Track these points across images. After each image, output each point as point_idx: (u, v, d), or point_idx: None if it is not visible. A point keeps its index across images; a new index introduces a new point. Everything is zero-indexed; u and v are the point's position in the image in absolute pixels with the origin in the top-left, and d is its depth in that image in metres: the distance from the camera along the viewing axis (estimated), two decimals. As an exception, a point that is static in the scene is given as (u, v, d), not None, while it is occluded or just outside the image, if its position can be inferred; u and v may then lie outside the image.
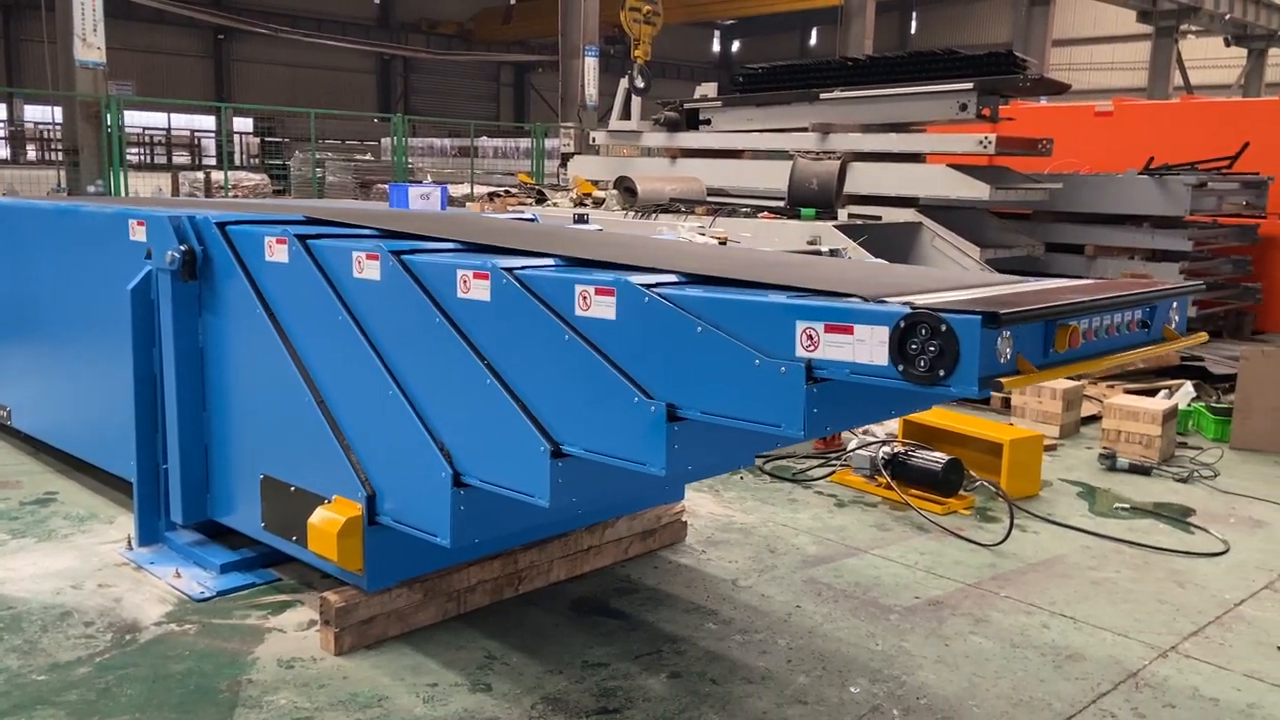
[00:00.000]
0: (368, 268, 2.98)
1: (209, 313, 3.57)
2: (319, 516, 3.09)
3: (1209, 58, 28.81)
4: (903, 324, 1.99)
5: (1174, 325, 2.57)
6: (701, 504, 4.48)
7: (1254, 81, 25.75)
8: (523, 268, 2.68)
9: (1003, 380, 1.97)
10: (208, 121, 31.14)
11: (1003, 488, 4.57)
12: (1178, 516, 4.54)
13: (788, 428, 2.15)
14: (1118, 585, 3.75)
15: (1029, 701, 2.89)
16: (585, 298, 2.49)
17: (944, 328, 1.93)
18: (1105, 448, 5.36)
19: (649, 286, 2.38)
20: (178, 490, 3.66)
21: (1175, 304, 2.57)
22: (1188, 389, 6.39)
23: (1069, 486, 4.93)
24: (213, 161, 26.42)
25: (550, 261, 2.83)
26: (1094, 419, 6.07)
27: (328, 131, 25.86)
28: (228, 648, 3.09)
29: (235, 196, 15.27)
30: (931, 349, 1.95)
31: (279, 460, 3.37)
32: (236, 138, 26.91)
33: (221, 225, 3.49)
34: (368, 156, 21.87)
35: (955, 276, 2.61)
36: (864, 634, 3.29)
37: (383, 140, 23.36)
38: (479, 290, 2.72)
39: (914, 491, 4.54)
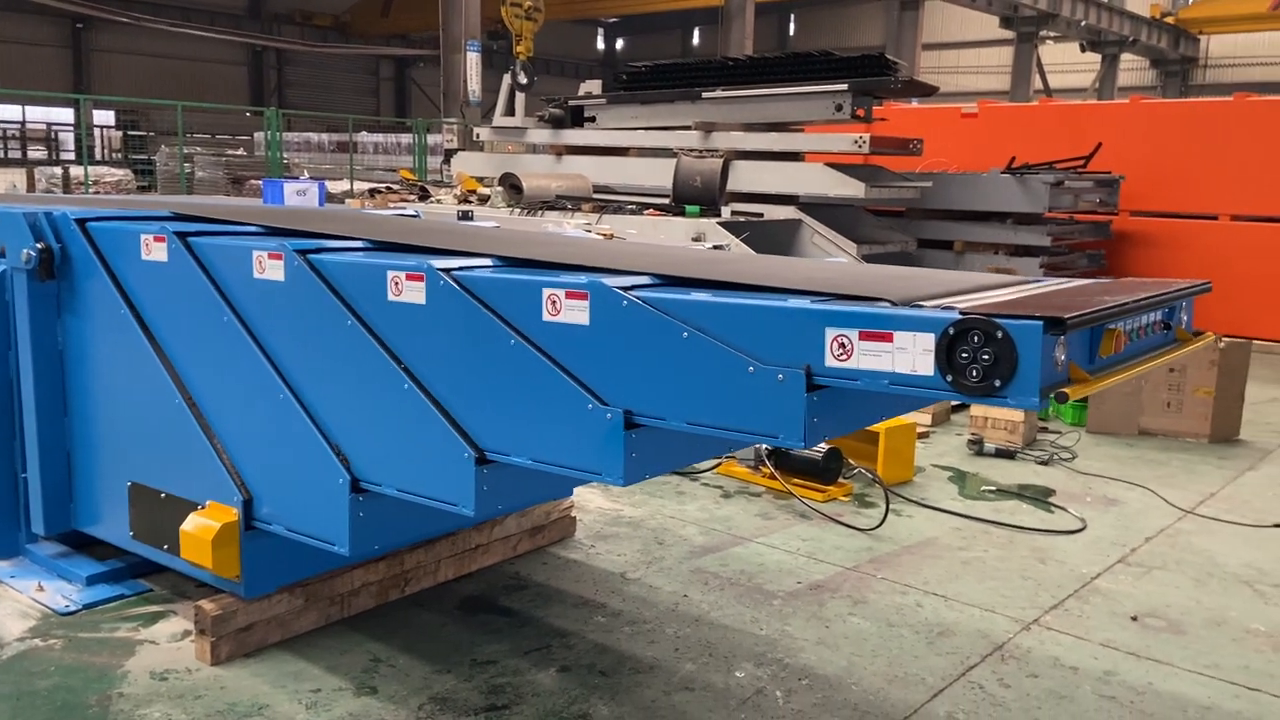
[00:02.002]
0: (270, 268, 2.81)
1: (69, 314, 3.40)
2: (192, 523, 2.99)
3: (1067, 62, 30.40)
4: (952, 331, 1.84)
5: (1184, 325, 2.50)
6: (590, 499, 4.51)
7: (1108, 85, 27.31)
8: (461, 269, 2.54)
9: (1066, 391, 1.83)
10: (66, 114, 29.52)
11: (879, 474, 4.74)
12: (1039, 497, 4.80)
13: (787, 437, 2.03)
14: (985, 563, 3.94)
15: (903, 677, 3.02)
16: (555, 302, 2.32)
17: (1000, 334, 1.79)
18: (974, 434, 5.61)
19: (626, 290, 2.24)
20: (38, 500, 3.47)
21: (1184, 303, 2.48)
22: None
23: (940, 471, 5.15)
24: (72, 156, 25.05)
25: (487, 262, 2.67)
26: (964, 406, 6.35)
27: (196, 125, 24.79)
28: (96, 662, 2.96)
29: (97, 193, 14.52)
30: (985, 357, 1.81)
31: (148, 466, 3.24)
32: (97, 131, 25.57)
33: (81, 222, 3.33)
34: (240, 151, 21.10)
35: (969, 278, 2.44)
36: (749, 620, 3.38)
37: (256, 135, 22.57)
38: (412, 293, 2.55)
39: (796, 480, 4.67)
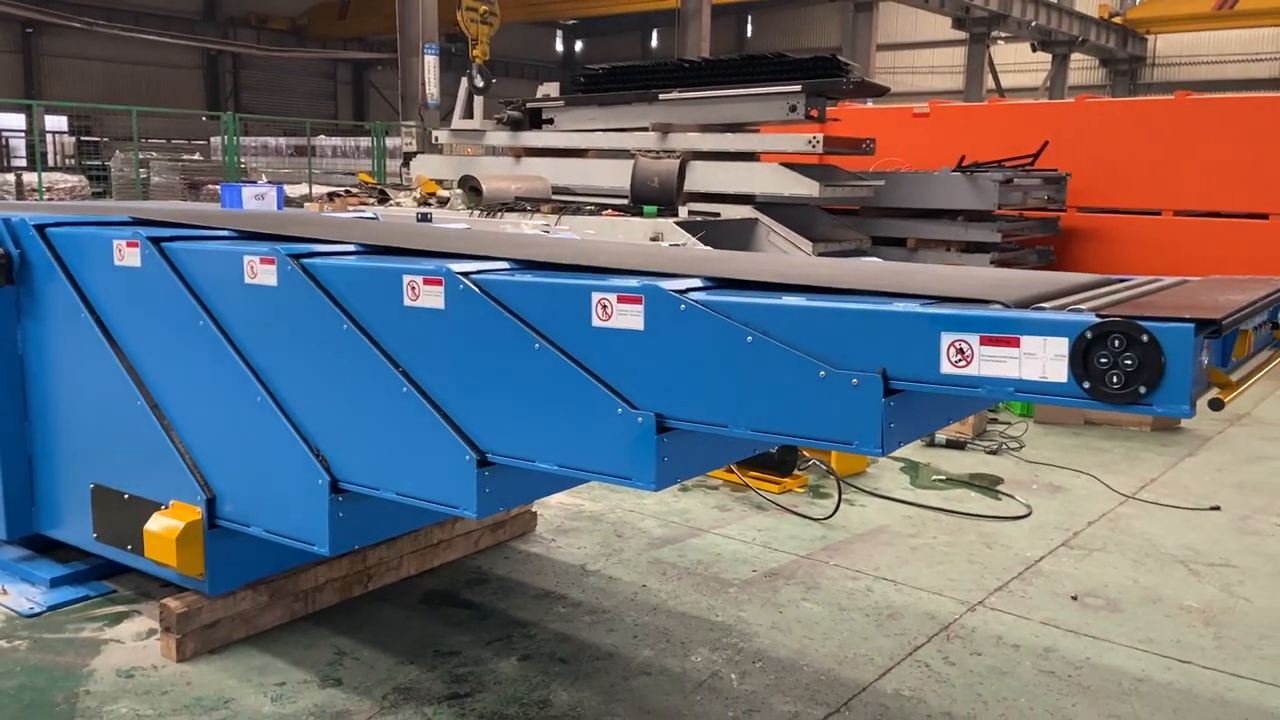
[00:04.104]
0: (262, 273, 2.78)
1: (29, 319, 3.43)
2: (156, 523, 3.04)
3: (1019, 62, 30.91)
4: (1089, 335, 1.73)
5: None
6: (551, 495, 4.58)
7: (1058, 84, 27.80)
8: (480, 273, 2.48)
9: (1220, 397, 1.76)
10: (17, 120, 29.00)
11: (833, 466, 4.86)
12: (988, 485, 4.95)
13: (862, 444, 1.96)
14: (934, 549, 4.08)
15: (853, 658, 3.13)
16: (605, 306, 2.24)
17: (1145, 338, 1.68)
18: (926, 426, 5.76)
19: (682, 293, 2.17)
20: (0, 504, 3.49)
21: None
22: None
23: (893, 463, 5.29)
24: (23, 163, 24.62)
25: (504, 265, 2.61)
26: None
27: (151, 130, 24.50)
28: (62, 661, 3.00)
29: (51, 199, 14.35)
30: (1127, 363, 1.70)
31: (110, 468, 3.28)
32: (49, 137, 25.17)
33: (40, 228, 3.36)
34: (196, 156, 20.90)
35: (1054, 278, 2.35)
36: (705, 607, 3.48)
37: (212, 139, 22.36)
38: (430, 298, 2.49)
39: (753, 473, 4.78)
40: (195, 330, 2.93)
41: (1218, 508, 4.65)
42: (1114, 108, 10.83)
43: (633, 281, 2.25)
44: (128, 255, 3.06)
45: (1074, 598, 3.61)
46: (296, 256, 2.75)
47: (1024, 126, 10.21)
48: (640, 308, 2.19)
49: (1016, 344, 1.80)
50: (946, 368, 1.86)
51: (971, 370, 1.84)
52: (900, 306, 1.95)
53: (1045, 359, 1.77)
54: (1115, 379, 1.71)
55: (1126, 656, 3.18)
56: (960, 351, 1.85)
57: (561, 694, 2.88)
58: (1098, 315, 1.74)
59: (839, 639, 3.26)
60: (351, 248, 2.92)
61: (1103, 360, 1.72)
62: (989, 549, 4.09)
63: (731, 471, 4.79)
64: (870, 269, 2.73)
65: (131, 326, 3.16)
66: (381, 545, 3.57)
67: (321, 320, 2.68)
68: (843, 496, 4.56)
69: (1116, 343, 1.70)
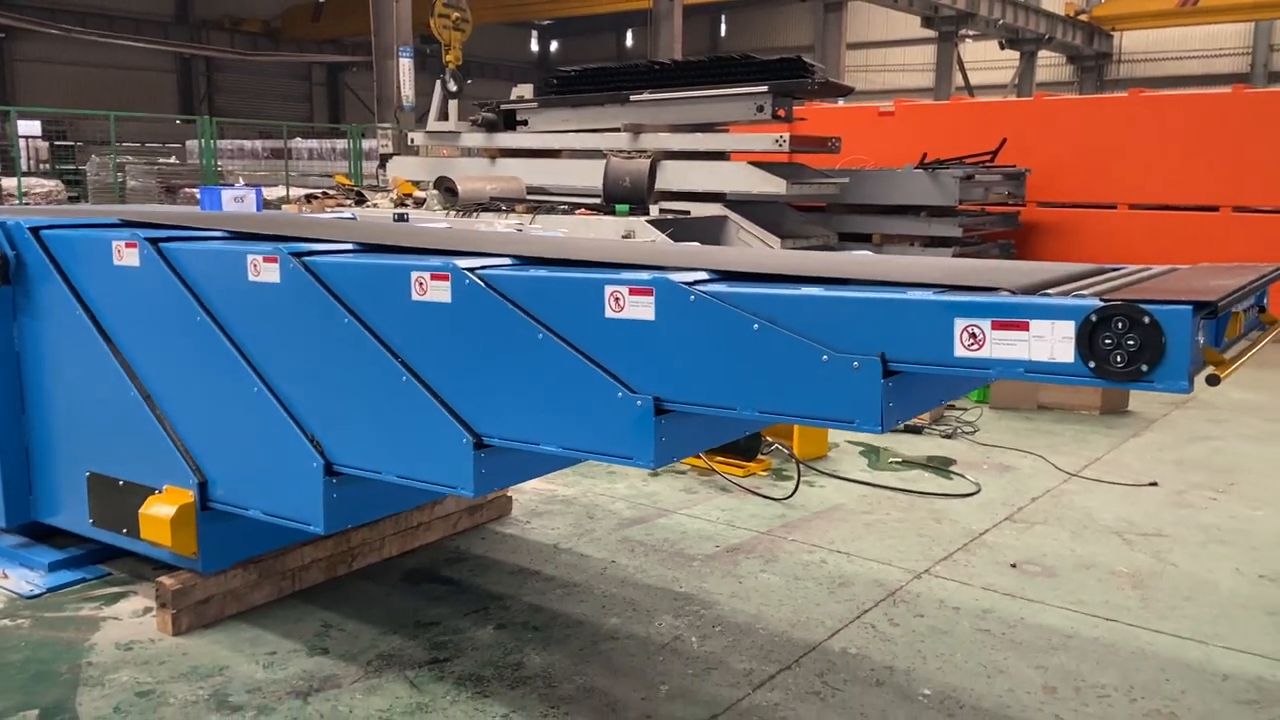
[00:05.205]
0: (265, 271, 2.94)
1: (25, 316, 3.61)
2: (152, 506, 3.23)
3: (987, 60, 31.36)
4: (1094, 318, 1.86)
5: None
6: (541, 475, 4.79)
7: (1026, 81, 28.25)
8: (484, 269, 2.62)
9: (1216, 374, 1.87)
10: (-12, 125, 28.80)
11: (794, 451, 5.11)
12: (941, 466, 5.22)
13: (863, 423, 2.11)
14: (886, 524, 4.33)
15: (805, 621, 3.38)
16: (618, 299, 2.39)
17: (1146, 320, 1.81)
18: (886, 412, 6.01)
19: (690, 285, 2.31)
20: (-1, 493, 3.68)
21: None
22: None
23: (852, 447, 5.55)
24: (-3, 168, 24.53)
25: (506, 261, 2.76)
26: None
27: (126, 134, 24.46)
28: (64, 637, 3.20)
29: (29, 204, 14.41)
30: (1130, 343, 1.82)
31: (105, 457, 3.47)
32: (22, 142, 25.08)
33: (35, 230, 3.55)
34: (171, 160, 20.93)
35: (1050, 267, 2.48)
36: (670, 579, 3.71)
37: (188, 143, 22.39)
38: (437, 292, 2.64)
39: (718, 458, 5.02)
40: (192, 326, 3.11)
41: (1155, 483, 4.93)
42: (1071, 105, 11.16)
43: (644, 275, 2.38)
44: (126, 255, 3.24)
45: (1013, 565, 3.87)
46: (298, 255, 2.92)
47: (985, 124, 10.53)
48: (651, 299, 2.34)
49: (1026, 328, 1.93)
50: (960, 351, 2.00)
51: (984, 353, 1.97)
52: (914, 294, 2.08)
53: (1053, 341, 1.90)
54: (1119, 358, 1.84)
55: (1058, 616, 3.44)
56: (973, 336, 1.97)
57: (534, 657, 3.11)
58: (1101, 300, 1.87)
59: (793, 605, 3.50)
60: (349, 246, 3.09)
61: (1107, 341, 1.85)
62: (938, 524, 4.34)
63: (699, 457, 5.02)
64: (869, 261, 2.88)
65: (127, 323, 3.35)
66: (365, 527, 3.78)
67: (322, 314, 2.85)
68: (802, 478, 4.80)
69: (1120, 325, 1.83)
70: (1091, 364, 1.87)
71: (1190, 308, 1.80)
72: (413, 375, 2.72)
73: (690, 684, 2.95)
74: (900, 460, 5.31)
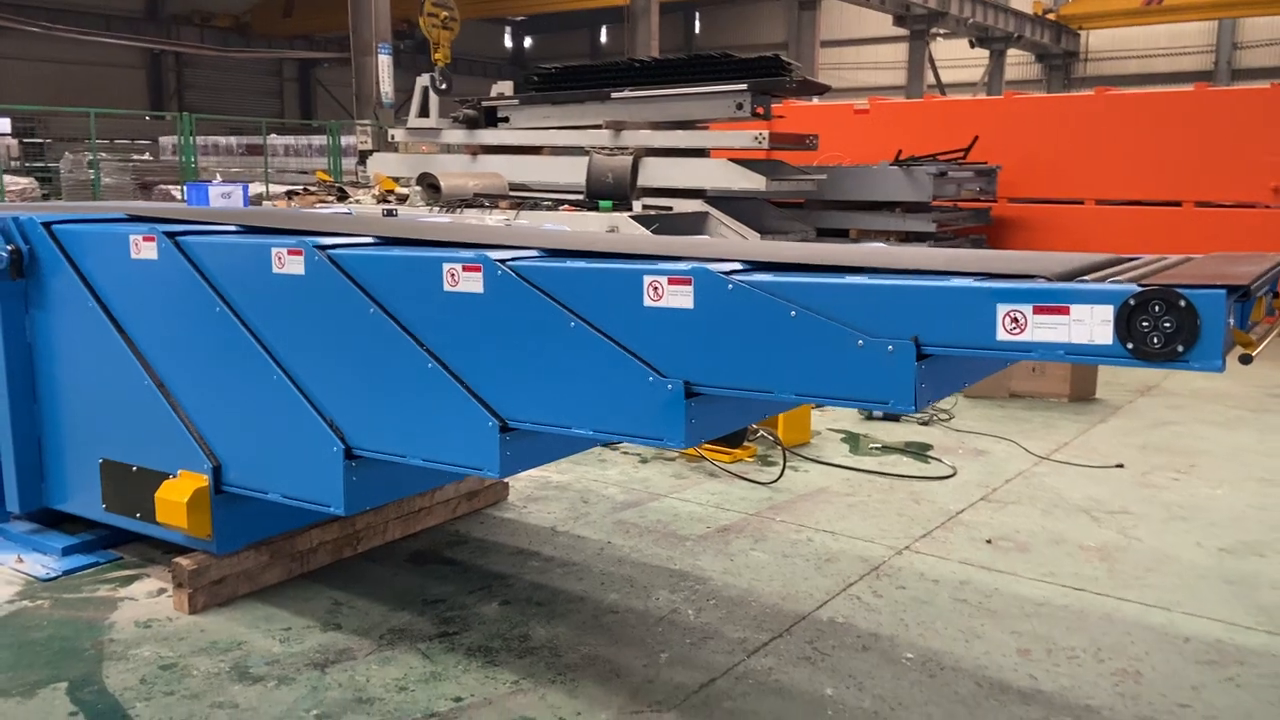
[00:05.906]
0: (290, 264, 3.05)
1: (37, 309, 3.72)
2: (167, 490, 3.36)
3: (958, 58, 31.76)
4: (1133, 302, 1.96)
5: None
6: (564, 457, 4.92)
7: (996, 79, 28.66)
8: (515, 260, 2.72)
9: (1249, 353, 1.97)
10: (-44, 122, 28.47)
11: (780, 438, 5.29)
12: (919, 451, 5.42)
13: (897, 403, 2.22)
14: (868, 506, 4.52)
15: (795, 594, 3.56)
16: (656, 288, 2.48)
17: (1183, 304, 1.91)
18: (864, 401, 6.22)
19: (728, 274, 2.40)
20: (12, 481, 3.79)
21: None
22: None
23: (834, 434, 5.75)
24: (-35, 165, 24.24)
25: (534, 253, 2.85)
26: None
27: (97, 131, 24.31)
28: (84, 616, 3.32)
29: (11, 201, 14.35)
30: (1166, 325, 1.92)
31: (118, 444, 3.59)
32: (-5, 139, 24.85)
33: (47, 225, 3.66)
34: (146, 157, 20.84)
35: (1072, 257, 2.57)
36: (664, 558, 3.88)
37: (162, 139, 22.29)
38: (469, 283, 2.75)
39: (707, 445, 5.20)
40: (211, 317, 3.23)
41: (1121, 465, 5.16)
42: (1040, 103, 11.44)
43: (682, 265, 2.47)
44: (144, 249, 3.36)
45: (988, 541, 4.08)
46: (323, 248, 3.03)
47: (958, 122, 10.77)
48: (690, 289, 2.43)
49: (1067, 311, 2.03)
50: (1001, 335, 2.10)
51: (1025, 336, 2.08)
52: (956, 282, 2.18)
53: (1093, 324, 2.00)
54: (1156, 340, 1.94)
55: (1031, 586, 3.65)
56: (1015, 320, 2.08)
57: (539, 630, 3.27)
58: (1139, 285, 1.98)
59: (783, 580, 3.68)
60: (369, 240, 3.21)
61: (1144, 324, 1.95)
62: (917, 504, 4.55)
63: (685, 444, 5.19)
64: (891, 253, 2.99)
65: (142, 315, 3.47)
66: (369, 511, 3.92)
67: (346, 305, 2.96)
68: (788, 464, 4.99)
69: (1157, 308, 1.93)
70: (1129, 345, 1.97)
71: (1224, 291, 1.90)
72: (439, 363, 2.83)
73: (689, 652, 3.13)
74: (880, 446, 5.52)
